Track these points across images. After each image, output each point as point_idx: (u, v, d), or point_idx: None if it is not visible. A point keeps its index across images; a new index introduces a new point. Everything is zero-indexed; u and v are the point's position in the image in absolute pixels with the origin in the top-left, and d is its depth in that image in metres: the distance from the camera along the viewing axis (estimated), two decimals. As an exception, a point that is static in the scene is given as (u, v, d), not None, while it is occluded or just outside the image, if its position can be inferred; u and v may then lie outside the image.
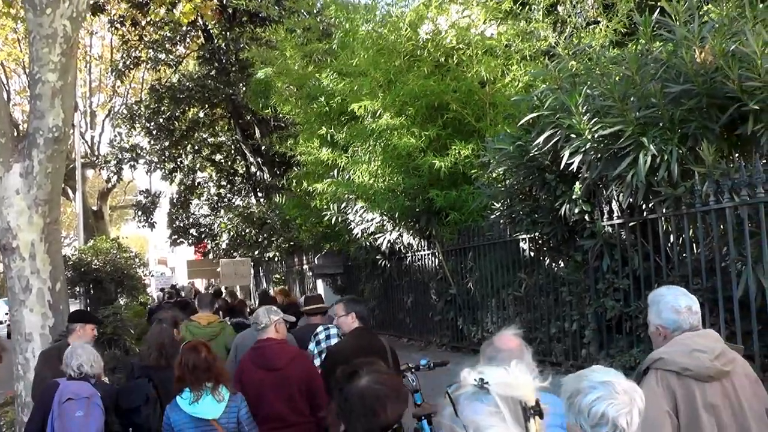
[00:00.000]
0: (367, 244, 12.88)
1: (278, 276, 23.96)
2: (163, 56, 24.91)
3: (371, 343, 6.00)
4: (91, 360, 5.63)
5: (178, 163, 28.01)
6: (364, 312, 6.12)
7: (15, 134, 9.91)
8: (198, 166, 29.28)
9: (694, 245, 6.46)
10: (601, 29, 10.30)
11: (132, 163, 27.49)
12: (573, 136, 6.71)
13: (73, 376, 5.52)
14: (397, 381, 3.35)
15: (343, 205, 12.74)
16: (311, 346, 7.01)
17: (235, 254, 23.45)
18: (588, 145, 6.56)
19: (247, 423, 5.30)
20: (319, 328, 7.11)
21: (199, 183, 29.68)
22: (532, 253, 8.77)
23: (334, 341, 6.98)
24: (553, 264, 8.37)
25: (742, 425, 3.63)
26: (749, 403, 3.69)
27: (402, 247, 12.42)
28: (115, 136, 28.81)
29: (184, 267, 50.39)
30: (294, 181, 16.50)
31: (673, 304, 3.89)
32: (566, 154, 6.77)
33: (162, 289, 26.91)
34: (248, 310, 12.63)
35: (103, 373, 5.96)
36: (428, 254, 11.83)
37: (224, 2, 22.41)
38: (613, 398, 2.68)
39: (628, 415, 2.66)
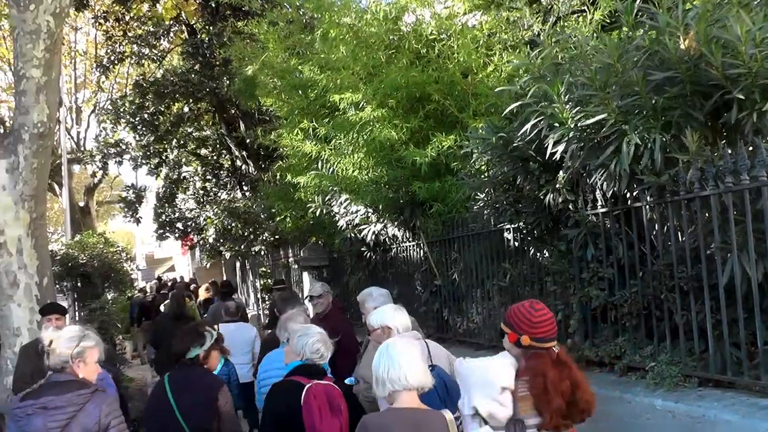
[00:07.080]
0: (352, 236, 12.83)
1: (264, 269, 23.95)
2: (147, 51, 24.93)
3: None
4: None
5: (164, 157, 27.97)
6: None
7: (1, 130, 9.91)
8: (183, 160, 29.28)
9: (679, 233, 6.45)
10: (585, 18, 10.26)
11: (117, 158, 27.47)
12: (556, 125, 6.70)
13: None
14: (194, 330, 5.60)
15: (328, 197, 12.69)
16: None
17: (221, 248, 23.41)
18: (571, 134, 6.54)
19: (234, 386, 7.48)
20: None
21: (184, 177, 29.65)
22: (516, 244, 8.73)
23: None
24: (538, 254, 8.33)
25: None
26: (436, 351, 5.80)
27: (387, 239, 12.36)
28: (101, 131, 28.76)
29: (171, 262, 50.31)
30: (279, 173, 16.47)
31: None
32: (550, 143, 6.76)
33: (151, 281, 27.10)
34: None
35: None
36: (413, 246, 11.77)
37: (207, -3, 22.42)
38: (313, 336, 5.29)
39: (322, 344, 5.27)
